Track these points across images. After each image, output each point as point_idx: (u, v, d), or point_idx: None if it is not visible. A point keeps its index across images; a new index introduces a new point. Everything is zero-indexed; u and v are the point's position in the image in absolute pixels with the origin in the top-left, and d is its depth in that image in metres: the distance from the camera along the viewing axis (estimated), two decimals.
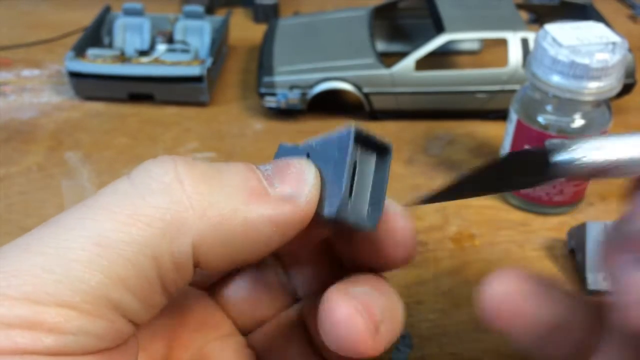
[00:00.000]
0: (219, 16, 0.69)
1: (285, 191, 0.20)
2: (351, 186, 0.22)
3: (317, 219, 0.21)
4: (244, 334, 0.26)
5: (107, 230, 0.18)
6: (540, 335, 0.23)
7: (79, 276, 0.17)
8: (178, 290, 0.20)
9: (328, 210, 0.21)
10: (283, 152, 0.24)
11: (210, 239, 0.19)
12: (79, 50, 0.61)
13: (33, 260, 0.17)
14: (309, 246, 0.26)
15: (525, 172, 0.19)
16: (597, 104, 0.43)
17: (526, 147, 0.19)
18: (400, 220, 0.23)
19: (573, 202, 0.47)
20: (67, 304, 0.17)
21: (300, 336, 0.26)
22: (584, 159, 0.19)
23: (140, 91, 0.60)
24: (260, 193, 0.20)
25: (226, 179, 0.20)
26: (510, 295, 0.22)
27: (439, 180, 0.45)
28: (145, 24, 0.65)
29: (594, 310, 0.23)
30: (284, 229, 0.20)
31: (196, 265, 0.20)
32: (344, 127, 0.22)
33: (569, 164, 0.19)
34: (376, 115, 0.58)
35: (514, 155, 0.19)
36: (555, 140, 0.20)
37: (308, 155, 0.22)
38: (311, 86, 0.56)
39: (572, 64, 0.40)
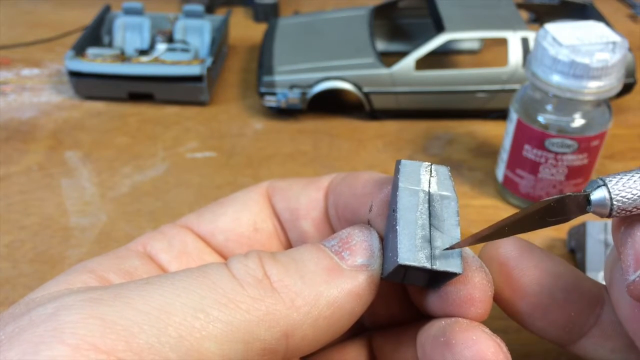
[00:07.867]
0: (219, 15, 0.69)
1: (356, 261, 0.22)
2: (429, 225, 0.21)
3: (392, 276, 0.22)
4: None
5: (209, 306, 0.19)
6: (537, 306, 0.23)
7: (170, 343, 0.18)
8: None
9: (386, 269, 0.22)
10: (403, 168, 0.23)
11: (303, 326, 0.21)
12: (79, 50, 0.61)
13: (134, 318, 0.18)
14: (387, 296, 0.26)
15: (567, 212, 0.20)
16: (597, 103, 0.43)
17: (568, 193, 0.20)
18: (480, 275, 0.22)
19: None
20: None
21: None
22: (620, 197, 0.19)
23: (140, 90, 0.60)
24: (335, 269, 0.22)
25: (302, 267, 0.22)
26: (517, 260, 0.23)
27: None
28: (145, 23, 0.65)
29: (593, 293, 0.24)
30: (364, 298, 0.22)
31: (285, 352, 0.21)
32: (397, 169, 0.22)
33: (605, 202, 0.20)
34: (376, 114, 0.58)
35: (556, 200, 0.20)
36: (596, 179, 0.20)
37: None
38: (311, 86, 0.56)
39: (572, 64, 0.40)
